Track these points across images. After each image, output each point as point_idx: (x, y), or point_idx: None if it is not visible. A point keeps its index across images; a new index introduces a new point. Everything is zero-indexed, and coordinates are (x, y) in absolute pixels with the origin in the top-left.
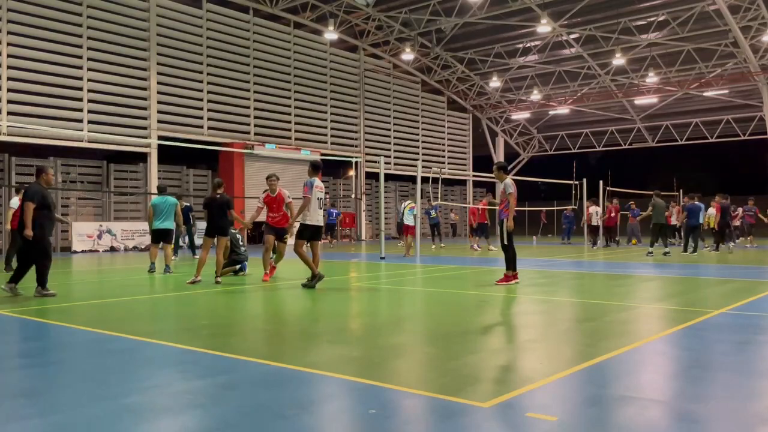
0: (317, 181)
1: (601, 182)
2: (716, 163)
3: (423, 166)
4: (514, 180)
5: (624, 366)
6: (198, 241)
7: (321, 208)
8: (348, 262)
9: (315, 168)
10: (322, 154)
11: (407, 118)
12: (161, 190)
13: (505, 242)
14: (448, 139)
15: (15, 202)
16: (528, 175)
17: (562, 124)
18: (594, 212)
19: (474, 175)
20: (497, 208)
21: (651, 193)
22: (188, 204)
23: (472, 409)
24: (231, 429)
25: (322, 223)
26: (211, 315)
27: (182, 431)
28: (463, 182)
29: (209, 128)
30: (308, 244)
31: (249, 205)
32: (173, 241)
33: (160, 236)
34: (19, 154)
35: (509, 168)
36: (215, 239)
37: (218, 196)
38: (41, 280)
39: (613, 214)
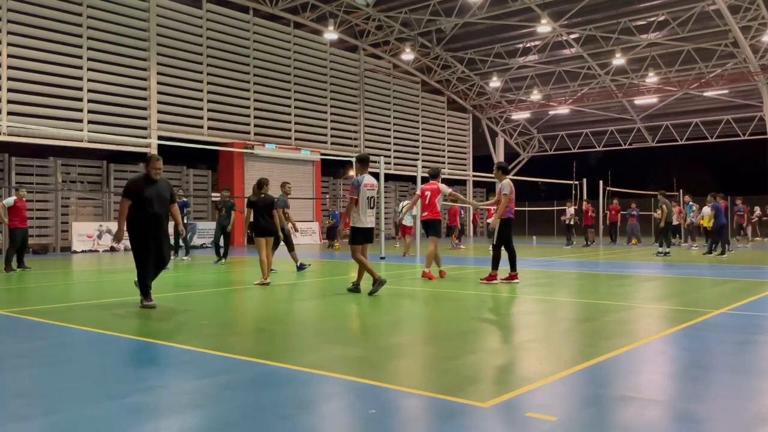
0: (366, 178)
1: (601, 182)
2: (716, 163)
3: (423, 166)
4: (513, 180)
5: (624, 366)
6: (199, 241)
7: (372, 207)
8: (348, 262)
9: (363, 162)
10: (322, 154)
11: (407, 118)
12: None
13: (494, 242)
14: (448, 139)
15: (10, 201)
16: (528, 175)
17: (562, 124)
18: (569, 212)
19: (474, 175)
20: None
21: (652, 193)
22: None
23: (472, 409)
24: (231, 429)
25: (373, 224)
26: (211, 315)
27: (182, 431)
28: (463, 182)
29: (209, 128)
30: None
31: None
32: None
33: None
34: (19, 154)
35: (509, 168)
36: (265, 239)
37: (263, 195)
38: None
39: (590, 214)
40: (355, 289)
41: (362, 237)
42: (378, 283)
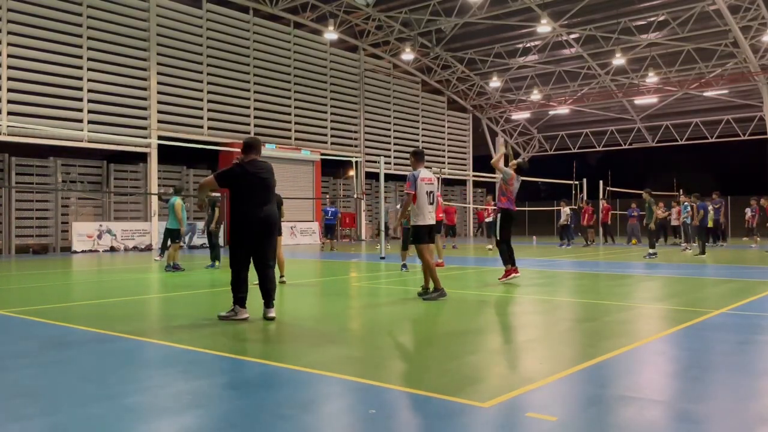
0: (423, 172)
1: (601, 182)
2: (716, 163)
3: (423, 167)
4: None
5: (624, 366)
6: (198, 241)
7: (432, 203)
8: (348, 262)
9: (418, 156)
10: (322, 154)
11: (407, 118)
12: (175, 191)
13: (498, 238)
14: (448, 139)
15: None
16: (528, 175)
17: (562, 124)
18: (564, 213)
19: (474, 175)
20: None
21: (653, 193)
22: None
23: (472, 409)
24: (231, 429)
25: (433, 221)
26: (212, 315)
27: (182, 431)
28: (463, 182)
29: (209, 128)
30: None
31: None
32: (180, 240)
33: (169, 236)
34: (19, 154)
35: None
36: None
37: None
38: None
39: (589, 214)
40: (438, 293)
41: (424, 234)
42: (439, 293)
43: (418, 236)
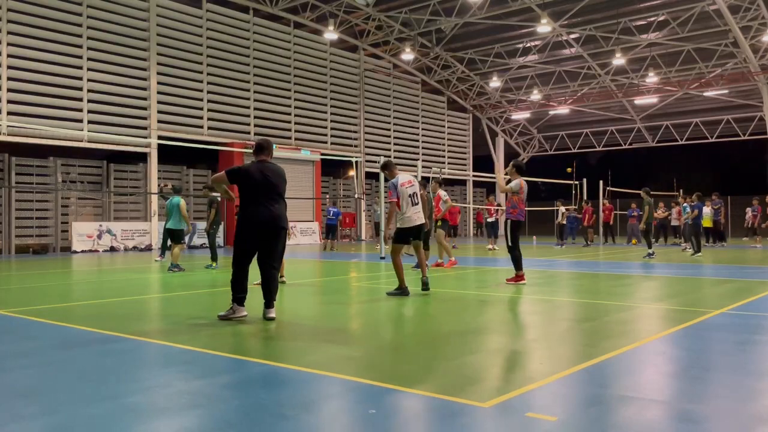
0: (401, 177)
1: (601, 182)
2: (716, 163)
3: (423, 166)
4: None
5: (624, 366)
6: (199, 241)
7: (417, 203)
8: (348, 262)
9: (387, 167)
10: (322, 154)
11: (407, 118)
12: (175, 191)
13: (509, 244)
14: (448, 139)
15: None
16: (528, 175)
17: (562, 124)
18: (560, 212)
19: (474, 175)
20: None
21: (654, 193)
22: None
23: (472, 409)
24: (231, 429)
25: (420, 221)
26: (212, 315)
27: (182, 431)
28: (463, 182)
29: (209, 128)
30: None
31: None
32: (181, 240)
33: (169, 236)
34: (19, 154)
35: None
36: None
37: None
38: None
39: (589, 214)
40: (402, 292)
41: (406, 237)
42: (401, 291)
43: (398, 238)
